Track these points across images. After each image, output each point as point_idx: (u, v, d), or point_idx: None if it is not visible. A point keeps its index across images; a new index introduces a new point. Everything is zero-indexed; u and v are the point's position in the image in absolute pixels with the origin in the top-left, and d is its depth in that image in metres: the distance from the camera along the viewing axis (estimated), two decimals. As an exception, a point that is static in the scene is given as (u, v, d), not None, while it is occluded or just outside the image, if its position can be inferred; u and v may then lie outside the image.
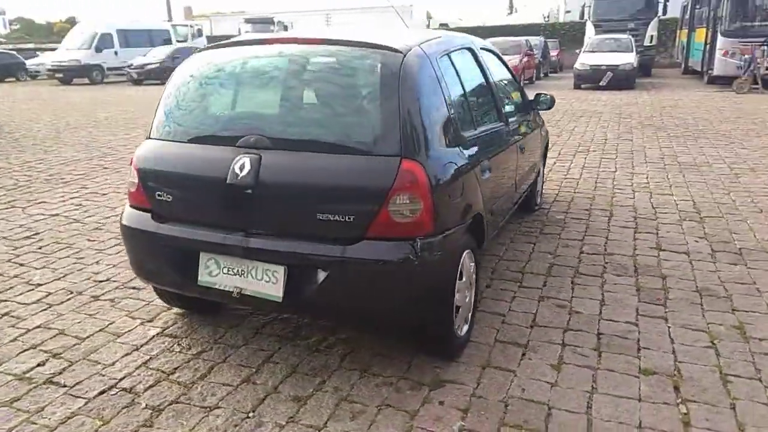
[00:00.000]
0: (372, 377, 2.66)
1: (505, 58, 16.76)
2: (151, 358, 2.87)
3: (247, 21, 30.58)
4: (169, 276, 2.73)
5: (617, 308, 3.26)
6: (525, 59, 18.41)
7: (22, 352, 2.95)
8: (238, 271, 2.52)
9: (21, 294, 3.62)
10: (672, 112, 11.41)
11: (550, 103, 4.41)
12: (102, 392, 2.60)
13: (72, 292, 3.63)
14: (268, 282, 2.46)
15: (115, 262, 4.10)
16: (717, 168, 6.60)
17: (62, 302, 3.50)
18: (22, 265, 4.10)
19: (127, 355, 2.91)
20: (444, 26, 35.29)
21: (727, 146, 7.83)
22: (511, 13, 56.37)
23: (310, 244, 2.39)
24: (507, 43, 19.01)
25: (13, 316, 3.33)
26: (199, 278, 2.60)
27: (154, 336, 3.08)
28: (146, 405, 2.49)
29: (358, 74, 2.52)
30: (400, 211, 2.30)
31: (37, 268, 4.03)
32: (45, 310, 3.40)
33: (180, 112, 2.78)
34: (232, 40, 2.93)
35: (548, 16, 35.48)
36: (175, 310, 3.36)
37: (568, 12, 31.33)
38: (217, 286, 2.57)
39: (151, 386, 2.63)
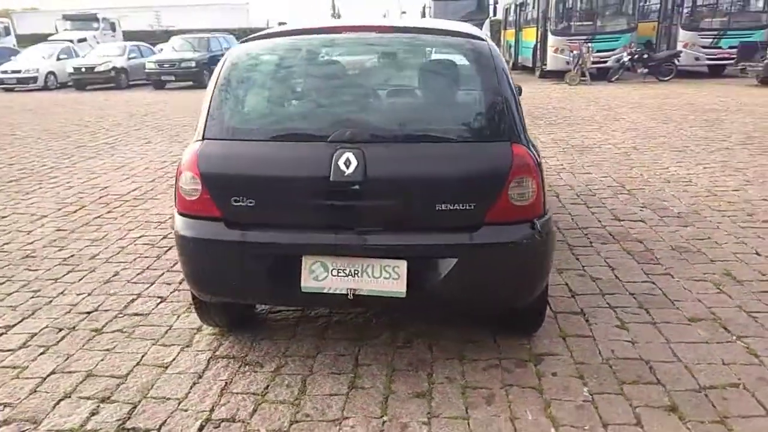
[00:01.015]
0: (473, 362, 2.68)
1: None
2: (226, 383, 2.58)
3: (66, 18, 27.18)
4: (258, 287, 2.48)
5: (627, 271, 3.64)
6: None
7: (56, 404, 2.46)
8: (350, 271, 2.37)
9: (-6, 340, 2.99)
10: (532, 102, 12.65)
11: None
12: (201, 428, 2.29)
13: (61, 329, 3.08)
14: (388, 279, 2.36)
15: (86, 290, 3.55)
16: (606, 148, 7.52)
17: (58, 342, 2.96)
18: (-35, 307, 3.36)
19: (195, 384, 2.57)
20: (282, 24, 34.93)
21: (599, 129, 8.95)
22: (334, 14, 57.70)
23: (432, 235, 2.35)
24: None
25: (7, 366, 2.75)
26: (302, 285, 2.40)
27: (209, 360, 2.76)
28: (267, 431, 2.26)
29: (454, 62, 2.52)
30: (518, 194, 2.36)
31: (3, 312, 3.34)
32: (43, 353, 2.85)
33: (248, 109, 2.54)
34: (287, 28, 2.72)
35: (386, 16, 36.86)
36: (207, 330, 3.03)
37: (403, 13, 32.93)
38: (325, 291, 2.39)
39: (254, 411, 2.38)
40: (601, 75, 17.18)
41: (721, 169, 6.22)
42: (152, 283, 3.64)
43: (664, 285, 3.42)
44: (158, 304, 3.36)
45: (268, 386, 2.55)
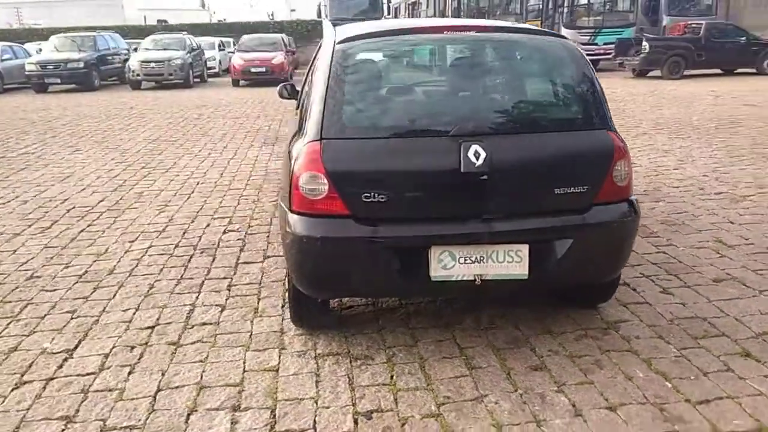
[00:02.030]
0: (562, 335, 2.93)
1: (269, 55, 17.78)
2: (349, 378, 2.61)
3: None
4: (389, 281, 2.55)
5: (638, 245, 4.08)
6: (288, 56, 18.77)
7: (186, 419, 2.36)
8: (477, 258, 2.52)
9: (59, 367, 2.76)
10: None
11: None
12: (355, 422, 2.33)
13: (134, 347, 2.91)
14: (511, 262, 2.54)
15: (130, 306, 3.35)
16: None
17: (139, 359, 2.80)
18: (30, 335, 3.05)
19: (319, 382, 2.59)
20: (163, 22, 33.20)
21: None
22: (204, 6, 56.23)
23: (550, 219, 2.56)
24: (267, 39, 19.15)
25: (102, 390, 2.57)
26: (431, 275, 2.51)
27: (316, 359, 2.77)
28: (420, 415, 2.35)
29: (550, 58, 2.73)
30: (619, 176, 2.64)
31: (50, 337, 3.05)
32: (132, 372, 2.70)
33: (365, 107, 2.61)
34: (386, 27, 2.80)
35: (272, 14, 36.29)
36: (292, 332, 3.02)
37: (293, 11, 32.60)
38: (454, 278, 2.52)
39: (395, 400, 2.45)
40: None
41: (653, 152, 7.03)
42: (199, 292, 3.50)
43: (675, 254, 3.91)
44: (221, 311, 3.26)
45: (392, 376, 2.62)
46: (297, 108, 4.65)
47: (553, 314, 3.12)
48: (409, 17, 24.69)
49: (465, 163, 2.45)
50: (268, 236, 4.44)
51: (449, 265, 2.52)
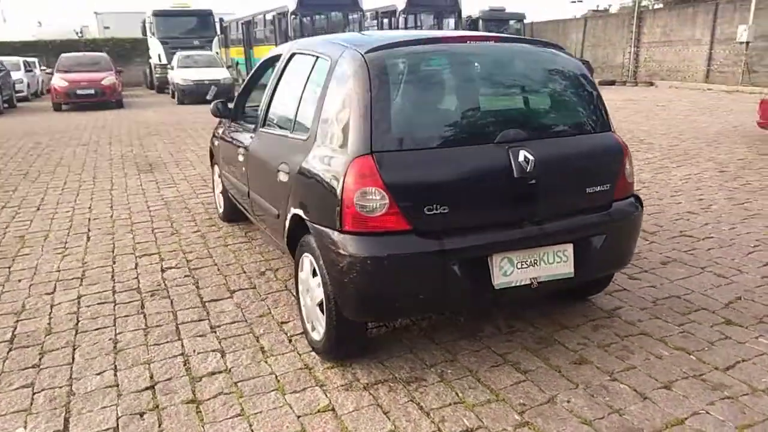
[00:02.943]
0: (579, 328, 3.08)
1: (98, 75, 16.98)
2: (416, 403, 2.46)
3: None
4: (455, 294, 2.47)
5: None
6: (119, 76, 17.14)
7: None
8: (531, 261, 2.55)
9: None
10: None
11: None
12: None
13: (143, 413, 2.43)
14: (559, 262, 2.62)
15: (105, 366, 2.80)
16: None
17: (160, 427, 2.35)
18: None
19: (387, 413, 2.40)
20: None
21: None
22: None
23: (587, 217, 2.70)
24: (90, 58, 17.33)
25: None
26: (494, 283, 2.48)
27: (367, 391, 2.56)
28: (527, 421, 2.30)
29: (560, 66, 2.86)
30: (628, 173, 2.87)
31: (21, 421, 2.39)
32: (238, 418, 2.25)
33: (411, 118, 2.50)
34: (411, 37, 2.70)
35: (81, 32, 32.72)
36: (324, 365, 2.77)
37: (106, 28, 29.79)
38: (513, 285, 2.52)
39: (478, 416, 2.37)
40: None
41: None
42: (180, 339, 3.04)
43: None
44: (222, 356, 2.87)
45: (457, 393, 2.53)
46: (229, 123, 4.32)
47: (555, 310, 3.27)
48: (244, 36, 23.98)
49: (517, 168, 2.48)
50: (218, 269, 4.01)
51: (509, 271, 2.52)
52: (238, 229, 4.89)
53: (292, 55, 3.42)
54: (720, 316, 3.19)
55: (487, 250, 2.48)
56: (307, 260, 2.78)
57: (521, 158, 2.49)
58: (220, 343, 3.01)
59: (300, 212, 2.71)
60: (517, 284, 2.54)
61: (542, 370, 2.71)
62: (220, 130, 4.64)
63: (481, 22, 23.88)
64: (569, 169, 2.66)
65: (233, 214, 4.95)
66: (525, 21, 25.08)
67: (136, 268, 4.08)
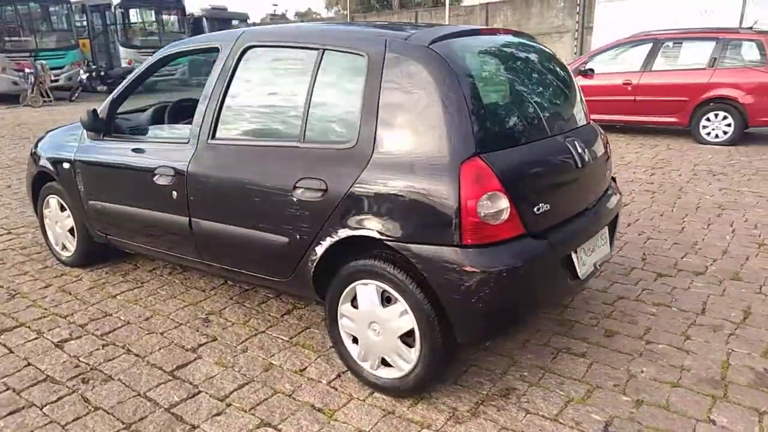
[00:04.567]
0: (593, 319, 3.24)
1: None
2: (536, 412, 2.32)
3: None
4: (558, 292, 2.49)
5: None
6: None
7: None
8: (592, 248, 2.61)
9: None
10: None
11: None
12: None
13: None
14: (603, 245, 2.75)
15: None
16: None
17: None
18: None
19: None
20: None
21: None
22: None
23: (612, 199, 2.88)
24: None
25: None
26: (579, 274, 2.48)
27: (485, 411, 2.31)
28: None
29: (558, 58, 2.93)
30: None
31: None
32: None
33: (501, 114, 2.33)
34: (456, 29, 2.40)
35: None
36: (407, 404, 2.40)
37: None
38: (588, 273, 2.56)
39: (587, 399, 2.35)
40: (66, 94, 15.92)
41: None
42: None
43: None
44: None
45: (558, 393, 2.47)
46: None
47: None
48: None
49: (579, 159, 2.51)
50: (140, 328, 3.07)
51: (585, 260, 2.55)
52: (105, 273, 3.80)
53: (247, 49, 2.79)
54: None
55: (577, 243, 2.46)
56: (368, 289, 2.35)
57: (579, 149, 2.54)
58: (253, 413, 2.34)
59: (370, 232, 2.26)
60: (589, 272, 2.59)
61: (593, 349, 2.81)
62: (76, 154, 3.50)
63: (205, 20, 22.82)
64: (600, 155, 2.80)
65: (91, 255, 3.85)
66: (248, 21, 24.84)
67: (24, 344, 2.86)
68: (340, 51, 2.47)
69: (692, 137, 8.00)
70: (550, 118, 2.57)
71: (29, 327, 3.11)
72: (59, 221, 3.88)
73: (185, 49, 3.22)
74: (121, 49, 18.37)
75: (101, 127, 3.36)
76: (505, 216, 2.13)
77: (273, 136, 2.64)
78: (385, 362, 2.43)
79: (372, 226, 2.26)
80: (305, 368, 2.68)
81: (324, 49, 2.51)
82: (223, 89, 2.81)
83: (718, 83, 7.57)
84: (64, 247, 3.95)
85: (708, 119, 7.78)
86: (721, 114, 7.66)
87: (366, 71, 2.35)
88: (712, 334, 2.94)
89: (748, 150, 7.54)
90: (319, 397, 2.46)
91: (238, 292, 3.50)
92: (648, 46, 8.21)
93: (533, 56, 2.74)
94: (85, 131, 3.53)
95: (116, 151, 3.29)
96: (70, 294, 3.52)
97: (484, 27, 2.80)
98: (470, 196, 2.07)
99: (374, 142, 2.28)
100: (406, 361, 2.34)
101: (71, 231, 3.83)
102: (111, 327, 3.09)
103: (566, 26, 16.82)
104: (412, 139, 2.21)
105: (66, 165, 3.59)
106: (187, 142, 2.91)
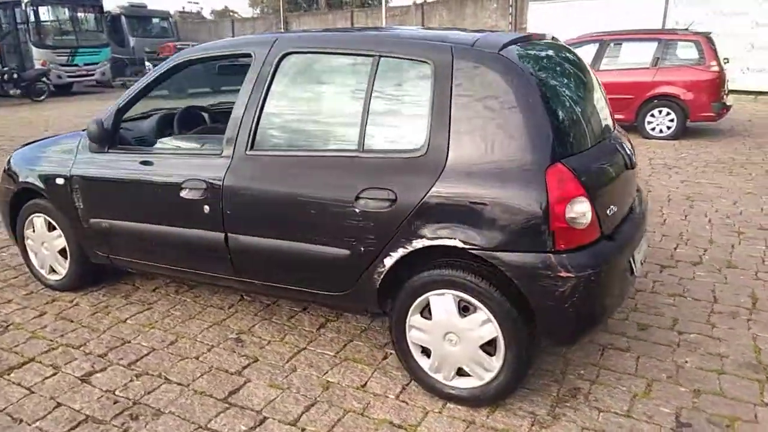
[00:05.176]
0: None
1: None
2: (609, 409, 2.38)
3: None
4: (627, 291, 2.53)
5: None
6: None
7: None
8: (639, 245, 2.69)
9: None
10: None
11: None
12: None
13: None
14: (644, 241, 2.84)
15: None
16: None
17: None
18: None
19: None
20: None
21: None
22: None
23: (643, 196, 2.99)
24: None
25: None
26: (635, 271, 2.55)
27: (564, 414, 2.34)
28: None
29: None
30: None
31: None
32: None
33: (567, 117, 2.33)
34: (515, 36, 2.39)
35: None
36: (484, 412, 2.39)
37: None
38: (640, 270, 2.65)
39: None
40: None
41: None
42: None
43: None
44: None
45: (621, 390, 2.54)
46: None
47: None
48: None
49: (629, 159, 2.62)
50: (171, 354, 2.87)
51: (637, 258, 2.62)
52: (103, 296, 3.52)
53: (285, 55, 2.66)
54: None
55: (635, 242, 2.54)
56: (444, 299, 2.32)
57: (627, 150, 2.63)
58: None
59: (452, 242, 2.22)
60: (639, 268, 2.68)
61: (634, 343, 2.92)
62: (73, 168, 3.21)
63: (124, 18, 21.66)
64: (629, 154, 2.89)
65: (84, 277, 3.56)
66: (171, 18, 23.80)
67: (44, 382, 2.58)
68: (398, 58, 2.41)
69: (639, 133, 8.48)
70: (600, 121, 2.64)
71: (41, 362, 2.82)
72: (46, 242, 3.55)
73: (205, 56, 3.01)
74: (34, 50, 17.08)
75: (108, 138, 3.10)
76: (588, 219, 2.17)
77: (325, 145, 2.54)
78: (460, 372, 2.41)
79: (453, 235, 2.23)
80: (365, 383, 2.61)
81: (380, 56, 2.44)
82: (261, 98, 2.67)
83: (661, 81, 8.08)
84: (52, 270, 3.61)
85: (653, 115, 8.29)
86: (665, 110, 8.19)
87: (432, 79, 2.31)
88: (732, 321, 3.13)
89: (691, 144, 8.11)
90: (393, 413, 2.40)
91: (261, 307, 3.34)
92: (594, 47, 8.63)
93: (576, 61, 2.80)
94: (80, 144, 3.25)
95: (126, 165, 3.05)
96: (72, 321, 3.23)
97: (534, 33, 2.82)
98: (558, 202, 2.09)
99: (447, 150, 2.25)
100: (486, 370, 2.33)
101: (62, 252, 3.51)
102: (136, 355, 2.87)
103: (499, 27, 17.36)
104: (490, 146, 2.20)
105: (60, 181, 3.27)
106: (220, 154, 2.74)
